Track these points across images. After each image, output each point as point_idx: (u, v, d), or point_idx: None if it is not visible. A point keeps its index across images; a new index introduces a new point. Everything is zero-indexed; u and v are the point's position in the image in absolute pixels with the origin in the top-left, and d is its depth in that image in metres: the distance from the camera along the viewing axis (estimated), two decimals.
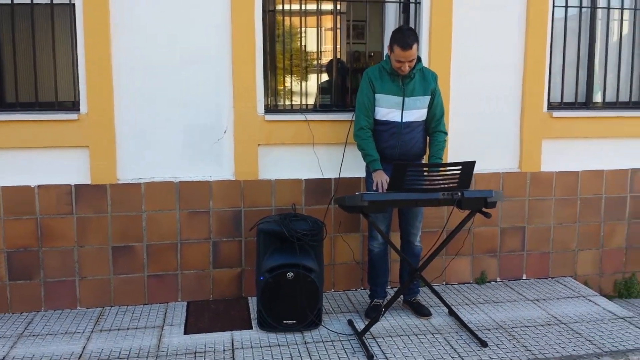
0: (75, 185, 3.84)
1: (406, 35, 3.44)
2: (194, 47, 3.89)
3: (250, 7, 3.89)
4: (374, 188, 3.54)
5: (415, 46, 3.44)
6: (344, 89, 4.34)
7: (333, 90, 4.33)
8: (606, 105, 4.71)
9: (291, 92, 4.30)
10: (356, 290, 4.30)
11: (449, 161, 4.11)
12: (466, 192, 3.23)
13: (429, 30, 4.16)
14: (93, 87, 3.78)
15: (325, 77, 4.42)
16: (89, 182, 3.86)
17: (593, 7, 4.57)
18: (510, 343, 3.45)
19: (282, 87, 4.31)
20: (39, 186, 3.81)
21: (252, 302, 3.98)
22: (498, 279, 4.54)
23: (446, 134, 3.74)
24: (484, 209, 3.31)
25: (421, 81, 3.62)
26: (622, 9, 4.63)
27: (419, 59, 3.59)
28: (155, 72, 3.86)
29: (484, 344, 3.40)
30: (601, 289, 4.69)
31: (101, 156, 3.83)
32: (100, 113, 3.80)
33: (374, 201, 3.19)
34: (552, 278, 4.62)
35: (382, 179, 3.50)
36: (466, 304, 4.06)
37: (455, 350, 3.34)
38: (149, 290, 4.01)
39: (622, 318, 3.86)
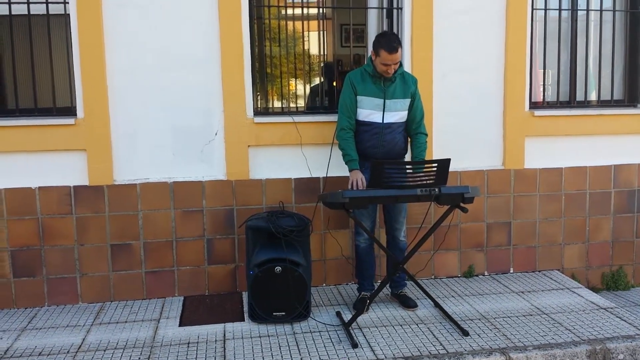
0: (74, 186, 3.97)
1: (392, 40, 3.55)
2: (185, 54, 4.00)
3: (237, 14, 4.00)
4: (349, 187, 3.63)
5: (400, 50, 3.56)
6: (331, 91, 4.43)
7: (320, 93, 4.45)
8: (589, 104, 4.77)
9: (281, 96, 4.42)
10: (347, 284, 4.39)
11: None
12: (443, 188, 3.35)
13: (410, 34, 4.25)
14: (89, 93, 3.90)
15: (313, 80, 4.55)
16: (87, 184, 3.98)
17: (573, 10, 4.63)
18: (491, 332, 3.52)
19: (270, 91, 4.42)
20: (40, 188, 3.94)
21: (246, 296, 4.07)
22: (486, 273, 4.59)
23: (427, 135, 3.84)
24: (461, 204, 3.42)
25: (401, 84, 3.72)
26: (601, 10, 4.69)
27: (400, 64, 3.69)
28: (148, 77, 3.98)
29: (465, 333, 3.48)
30: (589, 282, 4.73)
31: (98, 158, 3.95)
32: (96, 117, 3.93)
33: (354, 197, 3.30)
34: (539, 271, 4.66)
35: (357, 177, 3.61)
36: (452, 296, 4.13)
37: (437, 339, 3.42)
38: (147, 286, 4.13)
39: (604, 308, 3.91)
